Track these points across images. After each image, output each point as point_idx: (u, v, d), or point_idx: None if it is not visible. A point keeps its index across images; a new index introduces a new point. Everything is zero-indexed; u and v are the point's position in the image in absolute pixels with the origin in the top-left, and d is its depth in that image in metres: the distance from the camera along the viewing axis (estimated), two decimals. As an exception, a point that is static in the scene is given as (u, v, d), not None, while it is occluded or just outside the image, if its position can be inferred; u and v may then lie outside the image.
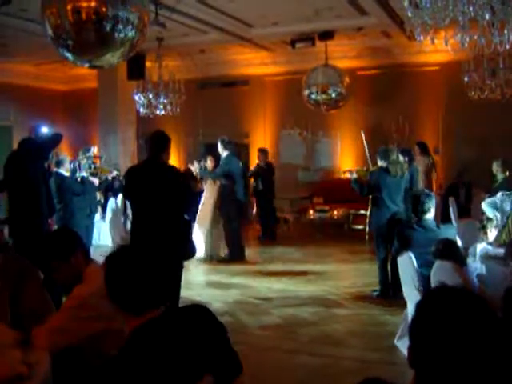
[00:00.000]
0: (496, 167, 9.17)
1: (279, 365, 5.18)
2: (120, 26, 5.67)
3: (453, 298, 1.55)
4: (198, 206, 5.74)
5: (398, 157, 7.97)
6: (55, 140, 7.41)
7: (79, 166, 8.49)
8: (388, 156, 7.49)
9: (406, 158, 8.69)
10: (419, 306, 1.59)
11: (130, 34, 5.82)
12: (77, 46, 5.76)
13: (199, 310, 2.42)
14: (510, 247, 4.73)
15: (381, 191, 7.30)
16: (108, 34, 5.65)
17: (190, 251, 5.70)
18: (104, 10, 5.55)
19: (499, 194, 7.19)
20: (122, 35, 5.75)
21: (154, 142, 5.57)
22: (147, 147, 5.59)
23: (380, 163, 7.56)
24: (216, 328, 2.38)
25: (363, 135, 8.56)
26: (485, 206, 7.12)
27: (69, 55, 5.93)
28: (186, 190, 5.66)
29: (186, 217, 5.71)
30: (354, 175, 7.65)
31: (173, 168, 5.81)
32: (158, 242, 5.15)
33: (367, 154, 8.45)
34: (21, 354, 2.72)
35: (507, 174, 8.92)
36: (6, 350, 2.76)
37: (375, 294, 7.33)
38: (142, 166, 5.88)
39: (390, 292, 7.15)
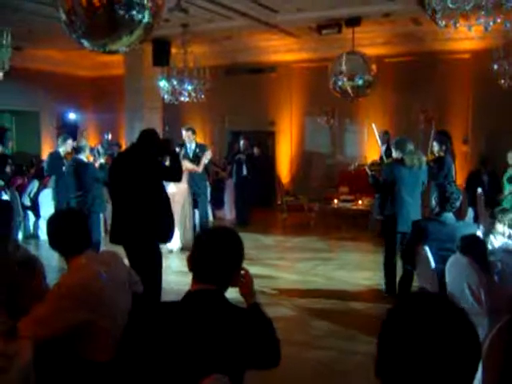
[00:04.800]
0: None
1: (288, 358, 5.01)
2: (133, 10, 5.58)
3: (424, 308, 1.41)
4: (180, 173, 5.90)
5: (414, 148, 7.17)
6: None
7: (98, 152, 8.50)
8: (404, 146, 6.90)
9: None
10: (387, 315, 1.46)
11: (144, 17, 5.73)
12: (90, 31, 5.69)
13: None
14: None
15: (395, 184, 6.76)
16: (121, 17, 5.55)
17: (165, 235, 5.77)
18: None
19: None
20: (135, 19, 5.66)
21: (140, 138, 5.76)
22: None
23: (395, 154, 7.01)
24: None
25: (375, 128, 8.16)
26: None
27: (83, 40, 5.86)
28: (162, 171, 5.81)
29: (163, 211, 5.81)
30: (369, 171, 7.18)
31: (151, 156, 5.77)
32: (134, 226, 5.44)
33: (380, 147, 8.17)
34: (2, 345, 2.67)
35: None
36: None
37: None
38: (124, 153, 6.14)
39: (395, 290, 6.76)
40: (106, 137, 9.47)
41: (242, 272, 2.64)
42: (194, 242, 2.60)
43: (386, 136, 11.29)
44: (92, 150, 8.57)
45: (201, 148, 10.09)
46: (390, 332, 1.41)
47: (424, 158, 7.06)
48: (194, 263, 2.50)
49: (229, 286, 2.56)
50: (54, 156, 9.40)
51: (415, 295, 1.53)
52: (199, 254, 2.50)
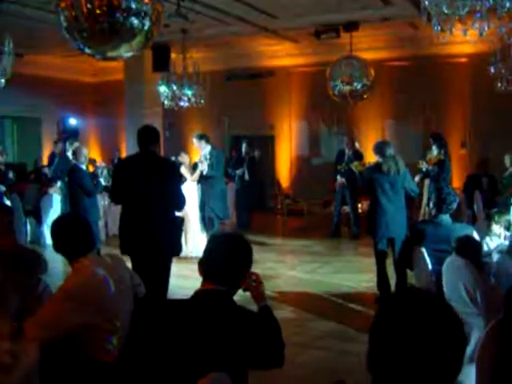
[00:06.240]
0: (508, 160, 8.85)
1: (287, 359, 5.11)
2: (133, 18, 5.66)
3: (413, 303, 1.48)
4: (185, 201, 5.64)
5: (395, 152, 7.05)
6: None
7: (102, 173, 8.55)
8: (382, 151, 6.80)
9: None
10: (378, 311, 1.53)
11: (144, 25, 5.80)
12: (91, 38, 5.76)
13: None
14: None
15: (375, 189, 6.75)
16: (121, 25, 5.63)
17: (179, 247, 5.67)
18: (117, 1, 5.55)
19: None
20: (135, 27, 5.74)
21: (145, 135, 5.50)
22: (138, 141, 5.52)
23: (376, 158, 6.98)
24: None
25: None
26: None
27: (83, 47, 5.94)
28: (179, 181, 5.59)
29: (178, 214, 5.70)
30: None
31: (167, 159, 5.69)
32: (149, 236, 5.17)
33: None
34: (9, 345, 2.74)
35: None
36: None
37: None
38: (134, 159, 5.75)
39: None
40: (116, 154, 9.48)
41: (253, 276, 2.74)
42: (205, 246, 2.70)
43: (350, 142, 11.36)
44: (97, 167, 8.61)
45: (211, 153, 9.52)
46: (379, 327, 1.49)
47: (402, 163, 6.83)
48: (204, 265, 2.58)
49: (238, 288, 2.65)
50: (63, 160, 9.57)
51: (403, 292, 1.60)
52: (210, 255, 2.60)
